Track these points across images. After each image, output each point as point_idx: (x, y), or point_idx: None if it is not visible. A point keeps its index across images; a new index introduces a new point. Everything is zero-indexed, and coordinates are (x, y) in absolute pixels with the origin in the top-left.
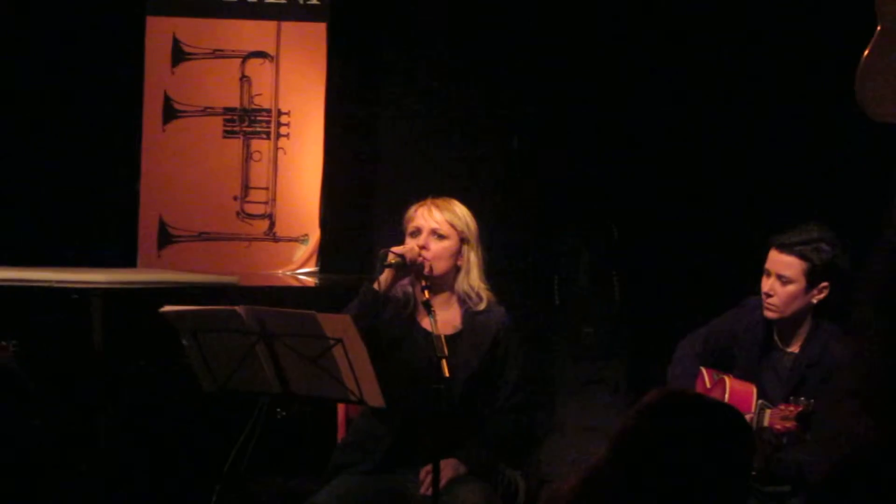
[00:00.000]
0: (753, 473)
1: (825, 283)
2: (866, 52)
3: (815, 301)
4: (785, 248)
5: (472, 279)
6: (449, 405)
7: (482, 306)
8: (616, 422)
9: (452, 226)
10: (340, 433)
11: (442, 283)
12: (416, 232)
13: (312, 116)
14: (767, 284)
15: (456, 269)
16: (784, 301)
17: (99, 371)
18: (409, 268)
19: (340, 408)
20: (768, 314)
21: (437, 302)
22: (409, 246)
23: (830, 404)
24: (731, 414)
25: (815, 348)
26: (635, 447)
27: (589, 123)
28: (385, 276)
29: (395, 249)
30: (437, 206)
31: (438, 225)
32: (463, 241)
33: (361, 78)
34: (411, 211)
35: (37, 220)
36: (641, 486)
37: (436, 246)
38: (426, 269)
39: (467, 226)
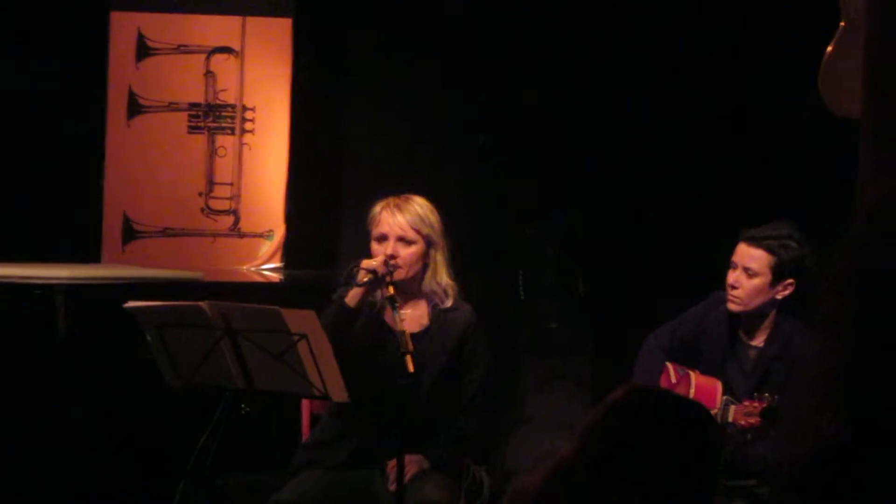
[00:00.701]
0: (719, 468)
1: (791, 280)
2: (829, 48)
3: (779, 297)
4: (753, 241)
5: (439, 277)
6: (416, 402)
7: (449, 303)
8: (581, 417)
9: (418, 231)
10: (305, 429)
11: (409, 283)
12: (382, 238)
13: (277, 112)
14: (733, 277)
15: (423, 269)
16: (748, 294)
17: (63, 367)
18: (381, 280)
19: (305, 404)
20: (732, 307)
21: (405, 300)
22: (379, 260)
23: (793, 399)
24: (698, 411)
25: (779, 342)
26: (602, 444)
27: (554, 118)
28: (356, 293)
29: (365, 265)
30: (401, 209)
31: (404, 231)
32: (429, 244)
33: (326, 73)
34: (375, 212)
35: (0, 215)
36: (608, 482)
37: (404, 252)
38: (397, 277)
39: (432, 227)
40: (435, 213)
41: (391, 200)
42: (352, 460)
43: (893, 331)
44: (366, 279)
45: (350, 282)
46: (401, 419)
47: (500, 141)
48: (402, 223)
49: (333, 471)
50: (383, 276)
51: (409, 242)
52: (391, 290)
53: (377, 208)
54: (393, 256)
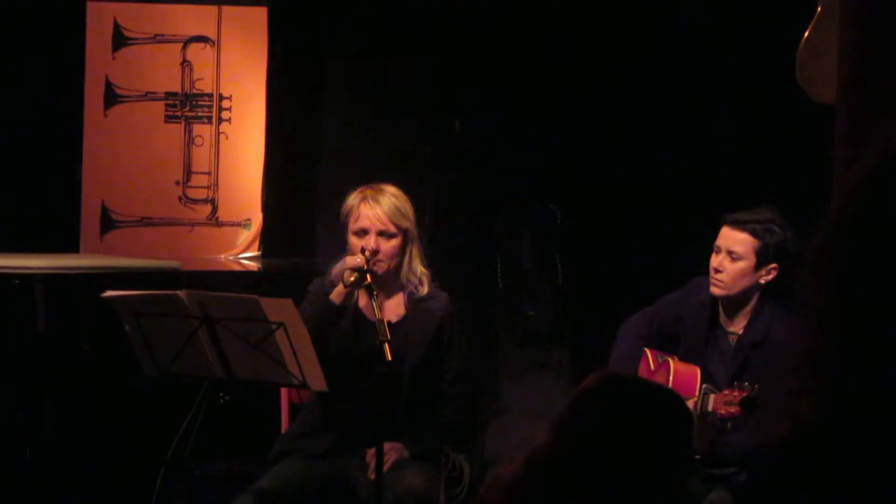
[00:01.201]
0: (698, 457)
1: (774, 265)
2: (807, 34)
3: (762, 281)
4: (737, 224)
5: (414, 265)
6: (396, 391)
7: (424, 290)
8: (560, 405)
9: (397, 224)
10: (284, 419)
11: (388, 275)
12: (363, 232)
13: (254, 101)
14: (717, 260)
15: (401, 260)
16: (732, 278)
17: (42, 356)
18: (364, 275)
19: (284, 394)
20: (715, 291)
21: (382, 292)
22: (363, 258)
23: (771, 383)
24: (668, 397)
25: (758, 329)
26: (574, 431)
27: (532, 104)
28: (342, 291)
29: (351, 265)
30: (378, 202)
31: (385, 225)
32: (407, 236)
33: (302, 62)
34: (353, 204)
35: None
36: (580, 470)
37: (386, 246)
38: (379, 270)
39: (409, 219)
40: (408, 201)
41: (367, 192)
42: (332, 450)
43: (872, 312)
44: (352, 278)
45: (347, 284)
46: (380, 408)
47: (476, 128)
48: (381, 217)
49: (313, 460)
50: (367, 271)
51: (389, 236)
52: (368, 278)
53: (353, 200)
54: (376, 251)
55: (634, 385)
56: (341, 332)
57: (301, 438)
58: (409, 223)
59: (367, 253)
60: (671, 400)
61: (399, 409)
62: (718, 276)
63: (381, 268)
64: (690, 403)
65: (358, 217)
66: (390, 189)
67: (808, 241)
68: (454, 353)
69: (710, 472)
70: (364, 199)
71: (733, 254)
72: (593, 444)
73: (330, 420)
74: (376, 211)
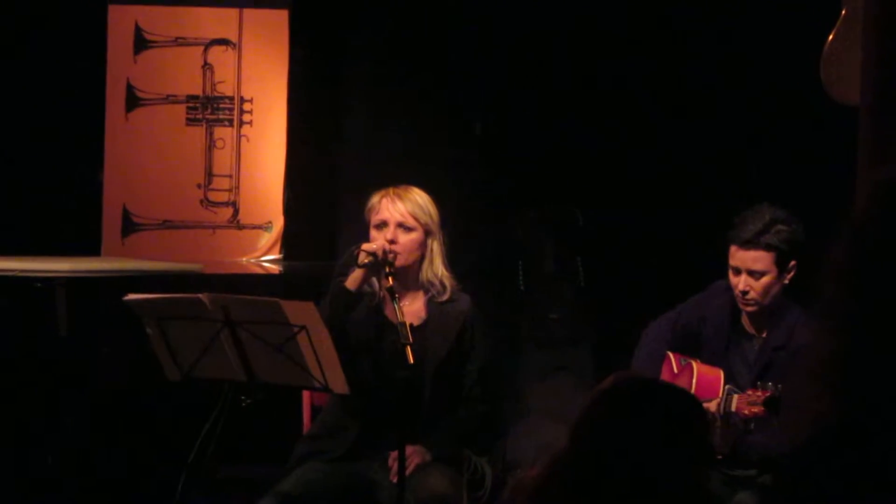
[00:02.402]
0: (720, 457)
1: (793, 263)
2: (831, 37)
3: (787, 282)
4: (748, 244)
5: (436, 267)
6: (418, 395)
7: (446, 297)
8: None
9: (416, 218)
10: (306, 422)
11: (407, 273)
12: (382, 224)
13: (275, 103)
14: (741, 282)
15: (420, 259)
16: (761, 294)
17: (64, 360)
18: (381, 264)
19: (306, 397)
20: (748, 309)
21: (402, 291)
22: (380, 243)
23: (794, 386)
24: (682, 396)
25: (781, 332)
26: (591, 434)
27: (552, 108)
28: (356, 276)
29: (366, 248)
30: (400, 197)
31: (404, 218)
32: (427, 232)
33: (323, 64)
34: (374, 201)
35: (0, 209)
36: (600, 472)
37: (404, 238)
38: (397, 263)
39: (430, 216)
40: (433, 204)
41: (391, 190)
42: (353, 452)
43: (893, 315)
44: (367, 261)
45: (350, 264)
46: (401, 411)
47: (498, 130)
48: (401, 210)
49: (334, 462)
50: (383, 262)
51: (408, 229)
52: (391, 280)
53: (376, 198)
54: (393, 241)
55: (650, 387)
56: (363, 336)
57: (322, 441)
58: (430, 221)
59: (384, 241)
60: (687, 401)
61: (420, 411)
62: (748, 296)
63: (398, 261)
64: (714, 404)
65: (378, 210)
66: (416, 190)
67: (831, 244)
68: (476, 355)
69: (732, 474)
70: (386, 194)
71: (755, 273)
72: (610, 447)
73: (351, 423)
74: (397, 205)
